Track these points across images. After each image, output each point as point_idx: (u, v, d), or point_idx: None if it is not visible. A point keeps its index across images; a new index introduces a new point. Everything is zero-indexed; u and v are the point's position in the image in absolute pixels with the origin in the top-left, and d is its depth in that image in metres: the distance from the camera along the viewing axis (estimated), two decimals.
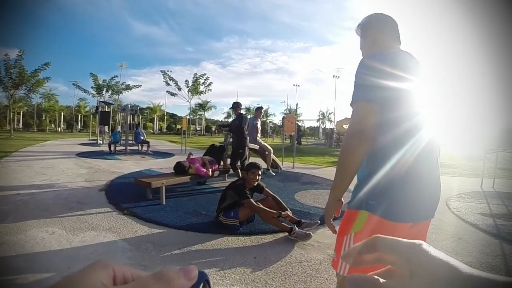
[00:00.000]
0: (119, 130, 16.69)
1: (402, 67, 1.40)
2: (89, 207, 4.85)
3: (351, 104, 1.40)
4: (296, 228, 3.77)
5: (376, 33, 1.63)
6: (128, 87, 33.38)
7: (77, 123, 51.59)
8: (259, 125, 8.83)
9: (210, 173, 6.27)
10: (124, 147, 13.73)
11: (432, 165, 1.44)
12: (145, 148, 14.20)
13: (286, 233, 3.78)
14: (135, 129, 15.36)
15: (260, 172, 4.20)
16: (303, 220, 4.01)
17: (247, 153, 6.95)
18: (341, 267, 1.49)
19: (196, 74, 36.33)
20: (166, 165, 9.85)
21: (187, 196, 5.80)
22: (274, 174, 8.58)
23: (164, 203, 5.12)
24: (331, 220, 1.49)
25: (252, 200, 3.95)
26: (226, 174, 7.48)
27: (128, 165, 9.87)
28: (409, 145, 1.38)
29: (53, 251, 3.25)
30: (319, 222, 4.09)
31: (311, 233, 3.70)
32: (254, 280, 2.78)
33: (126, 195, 5.62)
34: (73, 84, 31.14)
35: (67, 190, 5.97)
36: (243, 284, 2.72)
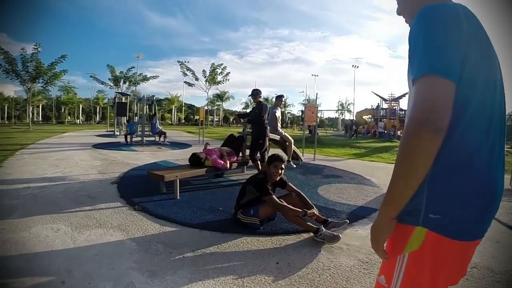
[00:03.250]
0: (135, 121, 16.56)
1: (475, 26, 1.00)
2: (99, 201, 4.59)
3: (414, 79, 0.96)
4: (323, 228, 3.36)
5: None
6: (145, 78, 33.50)
7: (96, 115, 52.21)
8: (279, 115, 8.43)
9: (228, 165, 5.90)
10: (141, 138, 13.54)
11: (504, 162, 1.08)
12: (161, 139, 13.96)
13: (311, 234, 3.39)
14: (151, 119, 15.14)
15: (283, 166, 3.78)
16: (330, 219, 3.61)
17: (267, 144, 6.52)
18: None
19: (213, 64, 36.16)
20: (183, 156, 9.55)
21: (203, 190, 5.47)
22: (295, 166, 8.22)
23: (178, 197, 4.80)
24: (384, 245, 1.09)
25: (274, 197, 3.54)
26: (245, 166, 7.13)
27: (143, 157, 9.64)
28: (488, 138, 0.99)
29: (55, 251, 2.99)
30: (348, 221, 3.69)
31: (340, 235, 3.29)
32: None
33: (138, 188, 5.33)
34: (91, 76, 31.42)
35: (78, 183, 5.74)
36: None
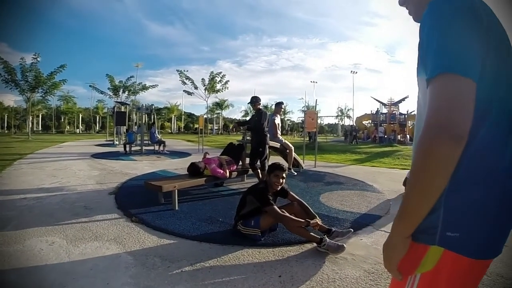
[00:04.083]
0: (133, 130, 16.51)
1: (493, 17, 0.90)
2: (95, 212, 4.48)
3: (428, 79, 0.84)
4: (327, 238, 3.24)
5: None
6: (145, 87, 33.52)
7: (96, 124, 52.26)
8: (278, 122, 8.35)
9: (228, 174, 5.79)
10: (140, 147, 13.46)
11: None
12: (161, 148, 13.88)
13: (315, 244, 3.28)
14: (150, 129, 15.08)
15: (284, 175, 3.66)
16: (333, 229, 3.49)
17: (267, 151, 6.42)
18: None
19: (212, 72, 36.28)
20: (182, 165, 9.43)
21: (203, 200, 5.35)
22: (295, 173, 8.11)
23: (177, 208, 4.68)
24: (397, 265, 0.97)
25: (275, 207, 3.42)
26: (245, 175, 7.03)
27: (142, 166, 9.54)
28: (510, 144, 0.88)
29: (49, 265, 2.89)
30: (352, 230, 3.58)
31: (344, 245, 3.17)
32: None
33: (136, 199, 5.22)
34: (90, 86, 31.41)
35: (75, 194, 5.64)
36: None
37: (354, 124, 34.06)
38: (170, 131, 51.55)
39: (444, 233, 0.87)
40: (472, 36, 0.82)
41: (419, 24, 0.95)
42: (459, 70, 0.79)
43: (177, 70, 34.22)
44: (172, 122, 56.45)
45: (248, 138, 7.04)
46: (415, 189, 0.85)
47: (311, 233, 3.31)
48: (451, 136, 0.76)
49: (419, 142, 0.83)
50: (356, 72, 54.33)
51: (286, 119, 56.46)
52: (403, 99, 31.64)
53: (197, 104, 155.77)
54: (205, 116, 33.94)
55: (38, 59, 24.01)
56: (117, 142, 19.02)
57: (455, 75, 0.79)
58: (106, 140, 22.62)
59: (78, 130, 49.89)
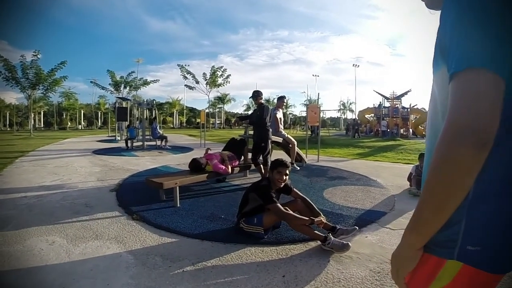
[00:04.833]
0: (134, 125, 16.45)
1: None
2: (96, 210, 4.43)
3: (452, 74, 0.72)
4: (331, 236, 3.18)
5: None
6: (146, 82, 33.60)
7: (98, 120, 52.24)
8: (280, 116, 8.27)
9: (230, 170, 5.73)
10: (141, 143, 13.40)
11: None
12: (163, 143, 13.82)
13: (319, 242, 3.21)
14: (151, 124, 15.01)
15: (287, 171, 3.58)
16: (338, 226, 3.42)
17: (270, 146, 6.34)
18: None
19: (213, 66, 36.28)
20: (184, 160, 9.36)
21: (205, 196, 5.29)
22: (298, 168, 8.05)
23: (178, 205, 4.62)
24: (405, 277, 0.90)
25: (279, 205, 3.34)
26: (248, 170, 6.95)
27: (144, 162, 9.48)
28: None
29: (49, 265, 2.85)
30: (357, 228, 3.50)
31: (349, 243, 3.10)
32: None
33: (138, 196, 5.17)
34: (91, 82, 31.47)
35: (76, 191, 5.58)
36: None
37: (357, 118, 33.91)
38: (172, 126, 51.42)
39: (464, 247, 0.79)
40: (504, 28, 0.70)
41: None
42: (490, 65, 0.68)
43: (178, 64, 34.32)
44: (174, 116, 56.31)
45: (250, 133, 6.97)
46: (430, 199, 0.76)
47: (315, 231, 3.24)
48: (475, 142, 0.66)
49: (437, 145, 0.73)
50: (358, 66, 54.06)
51: (288, 113, 56.26)
52: (406, 93, 31.42)
53: (199, 99, 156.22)
54: (206, 111, 33.94)
55: (39, 56, 24.01)
56: (118, 138, 19.00)
57: (486, 70, 0.68)
58: (108, 136, 22.59)
59: (80, 126, 49.82)
